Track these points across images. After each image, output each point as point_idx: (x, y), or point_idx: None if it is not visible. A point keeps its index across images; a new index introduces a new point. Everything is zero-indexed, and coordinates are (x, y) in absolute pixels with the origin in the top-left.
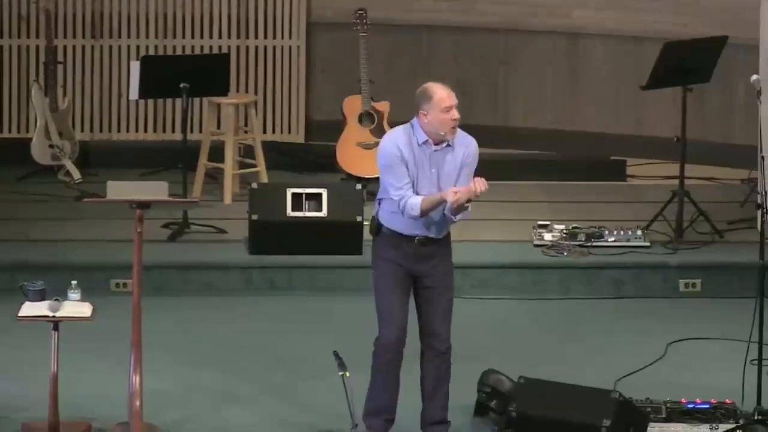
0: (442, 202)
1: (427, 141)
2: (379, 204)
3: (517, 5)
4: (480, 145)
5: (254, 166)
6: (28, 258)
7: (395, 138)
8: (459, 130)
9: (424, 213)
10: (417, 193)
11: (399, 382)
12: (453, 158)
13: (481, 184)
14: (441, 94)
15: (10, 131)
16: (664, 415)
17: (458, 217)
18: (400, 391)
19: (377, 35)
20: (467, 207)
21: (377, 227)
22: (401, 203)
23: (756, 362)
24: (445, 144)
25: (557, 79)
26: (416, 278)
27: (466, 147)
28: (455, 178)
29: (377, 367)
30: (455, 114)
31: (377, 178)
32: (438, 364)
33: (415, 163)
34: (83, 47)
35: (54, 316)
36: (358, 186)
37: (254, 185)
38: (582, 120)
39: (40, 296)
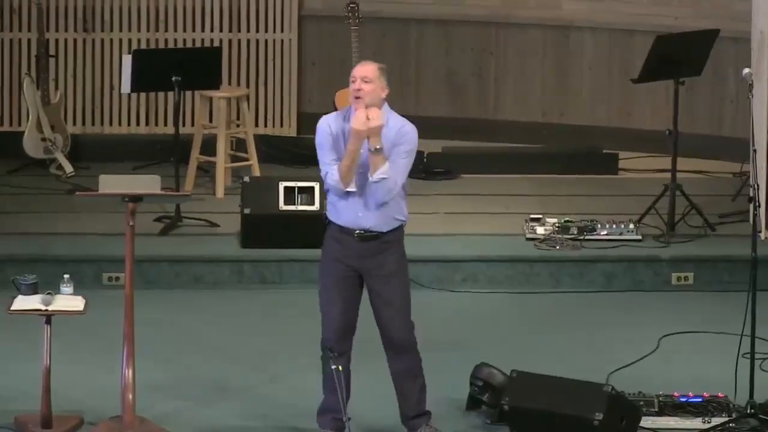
0: (354, 151)
1: (350, 118)
2: (328, 198)
3: None
4: (469, 138)
5: (246, 159)
6: (19, 251)
7: (328, 117)
8: (400, 117)
9: (344, 176)
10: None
11: (342, 383)
12: (384, 135)
13: (373, 112)
14: (356, 67)
15: (2, 125)
16: (656, 409)
17: (375, 176)
18: (355, 389)
19: (367, 28)
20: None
21: (324, 221)
22: (326, 178)
23: (748, 355)
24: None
25: (547, 72)
26: (365, 276)
27: (398, 129)
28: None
29: (322, 367)
30: (357, 84)
31: None
32: (399, 363)
33: (345, 141)
34: (75, 40)
35: (47, 310)
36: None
37: (246, 179)
38: (572, 113)
39: (33, 290)
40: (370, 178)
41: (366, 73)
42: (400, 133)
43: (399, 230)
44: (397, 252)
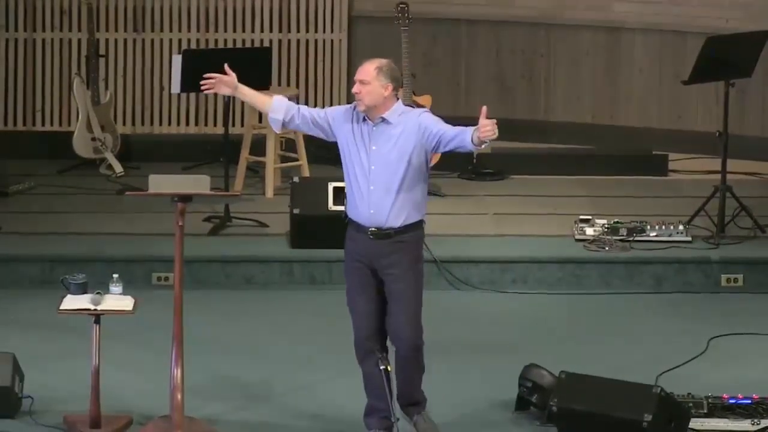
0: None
1: (365, 117)
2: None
3: None
4: (519, 139)
5: (296, 160)
6: (69, 251)
7: (337, 107)
8: (411, 110)
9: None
10: (350, 172)
11: (382, 381)
12: (390, 136)
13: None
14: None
15: (52, 124)
16: (705, 410)
17: (481, 146)
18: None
19: (417, 29)
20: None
21: (344, 219)
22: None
23: None
24: (380, 119)
25: (597, 73)
26: (379, 274)
27: (405, 123)
28: (394, 156)
29: (362, 370)
30: (355, 88)
31: None
32: (403, 364)
33: (354, 138)
34: (125, 41)
35: (96, 310)
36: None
37: (296, 179)
38: (622, 114)
39: (82, 289)
40: (481, 147)
41: (363, 76)
42: (406, 129)
43: (414, 230)
44: (411, 254)
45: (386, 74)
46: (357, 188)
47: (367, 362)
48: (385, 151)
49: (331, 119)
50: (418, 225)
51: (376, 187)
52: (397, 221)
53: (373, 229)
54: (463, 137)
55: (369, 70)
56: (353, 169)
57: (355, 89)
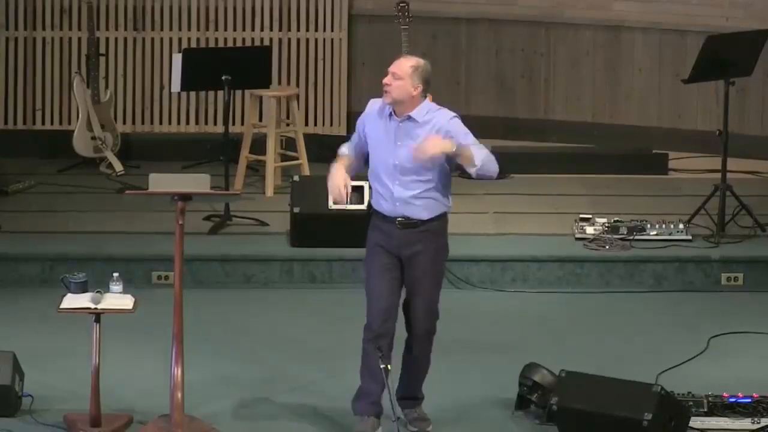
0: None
1: (391, 113)
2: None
3: None
4: (519, 137)
5: (296, 158)
6: (69, 250)
7: (374, 102)
8: (435, 106)
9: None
10: (375, 167)
11: (381, 367)
12: (416, 135)
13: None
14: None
15: (52, 123)
16: (705, 409)
17: (478, 164)
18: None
19: (417, 28)
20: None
21: (368, 208)
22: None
23: None
24: (406, 117)
25: (597, 72)
26: (403, 262)
27: (435, 122)
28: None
29: (363, 350)
30: (387, 79)
31: None
32: (412, 349)
33: (380, 133)
34: (125, 39)
35: (96, 309)
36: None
37: (296, 178)
38: (622, 113)
39: (82, 288)
40: (473, 172)
41: (397, 70)
42: (436, 128)
43: (441, 219)
44: (437, 241)
45: (420, 75)
46: (381, 183)
47: (372, 344)
48: (409, 148)
49: (362, 129)
50: (443, 215)
51: (400, 182)
52: (421, 215)
53: (400, 219)
54: None
55: (405, 67)
56: (379, 163)
57: (386, 80)
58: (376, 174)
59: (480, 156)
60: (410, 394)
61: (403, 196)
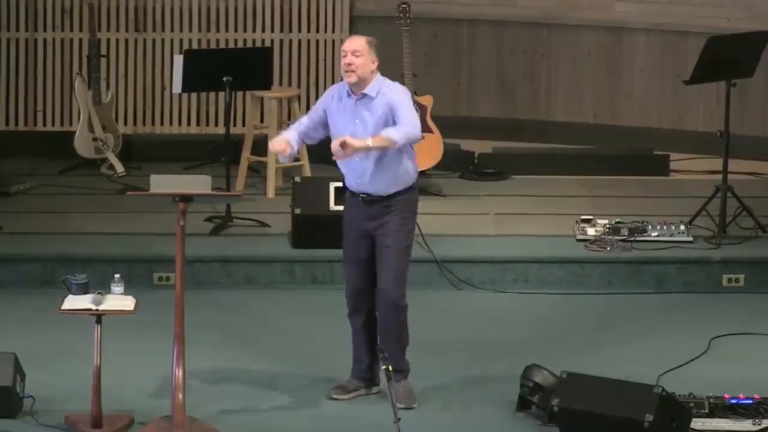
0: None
1: (349, 92)
2: None
3: None
4: (521, 139)
5: (297, 160)
6: (70, 251)
7: (335, 86)
8: (388, 81)
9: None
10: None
11: (363, 337)
12: (370, 110)
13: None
14: (346, 42)
15: (53, 124)
16: (707, 410)
17: (399, 142)
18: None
19: (418, 29)
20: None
21: (343, 187)
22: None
23: None
24: (361, 95)
25: (599, 73)
26: (372, 236)
27: (382, 98)
28: (372, 130)
29: (348, 319)
30: (348, 59)
31: (421, 172)
32: (383, 318)
33: (339, 113)
34: (126, 40)
35: (97, 310)
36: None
37: (297, 179)
38: (624, 114)
39: (83, 289)
40: (398, 146)
41: (356, 47)
42: (386, 102)
43: (406, 193)
44: (401, 213)
45: (374, 49)
46: (345, 162)
47: (353, 318)
48: (365, 124)
49: (323, 109)
50: (407, 190)
51: (360, 158)
52: (382, 190)
53: (363, 195)
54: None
55: (361, 43)
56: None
57: (347, 60)
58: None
59: (398, 134)
60: (394, 368)
61: (363, 172)
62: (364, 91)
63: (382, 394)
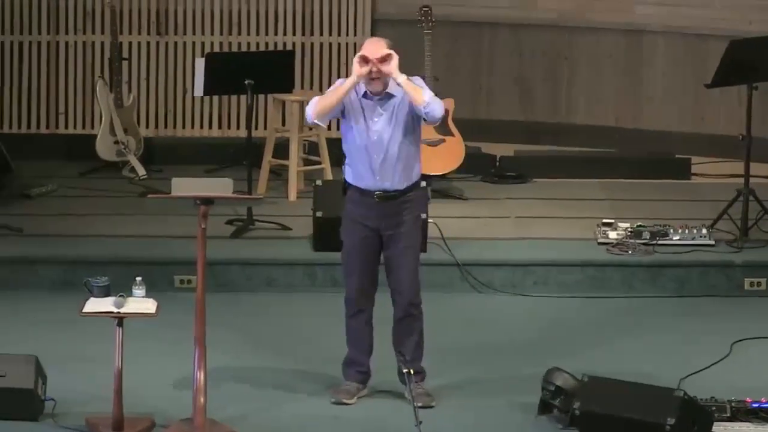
0: (344, 91)
1: (366, 93)
2: (345, 161)
3: (579, 1)
4: (541, 141)
5: (319, 163)
6: (92, 254)
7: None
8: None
9: (319, 108)
10: (354, 142)
11: (366, 338)
12: (390, 106)
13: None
14: (365, 45)
15: (75, 127)
16: (728, 414)
17: (427, 98)
18: (377, 346)
19: (439, 31)
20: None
21: (344, 185)
22: (307, 105)
23: None
24: (385, 95)
25: (620, 76)
26: (382, 235)
27: (399, 92)
28: (394, 125)
29: (346, 322)
30: (374, 69)
31: (442, 176)
32: (402, 317)
33: (357, 109)
34: (148, 43)
35: (119, 312)
36: (423, 183)
37: (318, 182)
38: (645, 117)
39: (105, 292)
40: (423, 107)
41: (383, 52)
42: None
43: (417, 188)
44: (415, 211)
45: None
46: (361, 158)
47: (354, 319)
48: (387, 121)
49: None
50: (417, 184)
51: (380, 155)
52: (401, 185)
53: (379, 192)
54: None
55: (385, 47)
56: (359, 139)
57: (375, 70)
58: (357, 148)
59: (429, 95)
60: (414, 370)
61: (384, 169)
62: (387, 91)
63: (399, 395)
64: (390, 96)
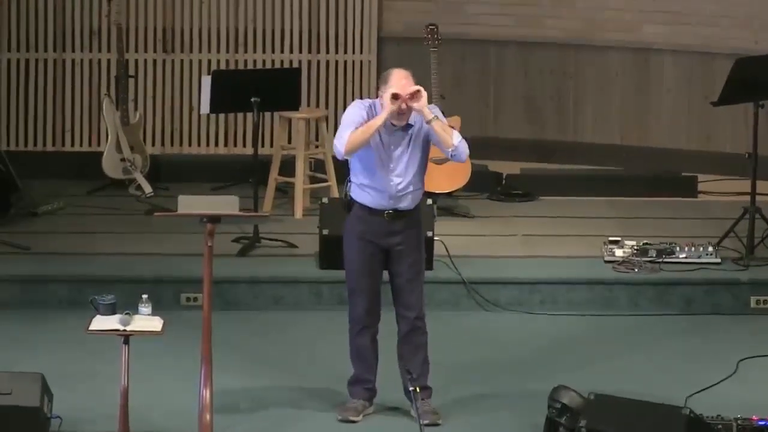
0: (376, 126)
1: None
2: (349, 180)
3: (586, 20)
4: (548, 160)
5: (325, 180)
6: (98, 271)
7: (365, 102)
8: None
9: (352, 143)
10: (369, 165)
11: (373, 354)
12: (407, 134)
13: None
14: (394, 80)
15: (81, 145)
16: None
17: (455, 140)
18: (382, 363)
19: (446, 50)
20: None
21: (348, 204)
22: (335, 139)
23: None
24: (406, 125)
25: (626, 95)
26: (387, 251)
27: (417, 118)
28: (411, 150)
29: (350, 340)
30: (403, 104)
31: (449, 194)
32: (408, 332)
33: (378, 135)
34: (155, 61)
35: (125, 330)
36: (429, 201)
37: (325, 200)
38: (651, 135)
39: (111, 310)
40: (450, 150)
41: (412, 88)
42: (418, 124)
43: (419, 206)
44: (419, 226)
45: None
46: (381, 184)
47: (361, 336)
48: (406, 147)
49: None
50: (423, 200)
51: (396, 179)
52: (412, 204)
53: (390, 211)
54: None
55: (412, 83)
56: (380, 168)
57: (403, 106)
58: (371, 171)
59: (458, 138)
60: (421, 386)
61: (399, 192)
62: (408, 122)
63: (405, 412)
64: (410, 125)
